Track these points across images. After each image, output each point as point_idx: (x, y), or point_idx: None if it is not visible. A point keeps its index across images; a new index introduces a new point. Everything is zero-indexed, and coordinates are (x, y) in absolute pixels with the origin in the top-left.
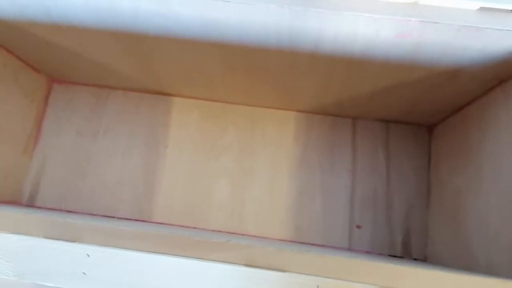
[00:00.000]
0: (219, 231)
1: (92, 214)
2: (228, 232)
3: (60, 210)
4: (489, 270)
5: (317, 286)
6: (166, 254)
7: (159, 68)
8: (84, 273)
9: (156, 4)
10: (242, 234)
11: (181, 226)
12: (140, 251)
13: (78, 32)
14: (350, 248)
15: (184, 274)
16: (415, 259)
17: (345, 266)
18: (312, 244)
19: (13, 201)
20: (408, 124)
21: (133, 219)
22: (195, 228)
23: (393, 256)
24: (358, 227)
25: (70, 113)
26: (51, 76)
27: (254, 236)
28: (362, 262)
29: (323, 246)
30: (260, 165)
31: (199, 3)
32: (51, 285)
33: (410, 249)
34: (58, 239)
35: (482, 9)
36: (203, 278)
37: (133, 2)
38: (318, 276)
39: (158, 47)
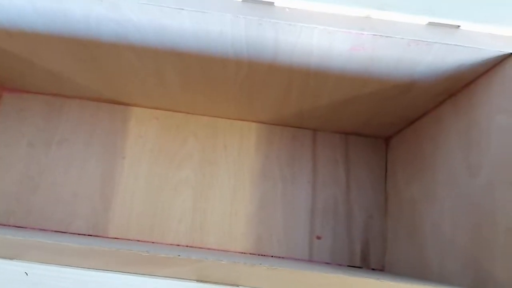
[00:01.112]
0: (178, 245)
1: (43, 230)
2: (188, 246)
3: (8, 225)
4: (442, 278)
5: None
6: (112, 271)
7: (115, 76)
8: None
9: (108, 10)
10: (201, 248)
11: (139, 241)
12: (84, 269)
13: (29, 38)
14: (311, 260)
15: None
16: (373, 269)
17: (298, 279)
18: (272, 256)
19: None
20: (366, 137)
21: (87, 234)
22: (153, 242)
23: (351, 266)
24: (318, 237)
25: (21, 123)
26: (1, 84)
27: (215, 250)
28: (314, 274)
29: (283, 258)
30: (221, 176)
31: (152, 10)
32: None
33: (369, 259)
34: None
35: (430, 24)
36: None
37: (84, 8)
38: None
39: (112, 55)
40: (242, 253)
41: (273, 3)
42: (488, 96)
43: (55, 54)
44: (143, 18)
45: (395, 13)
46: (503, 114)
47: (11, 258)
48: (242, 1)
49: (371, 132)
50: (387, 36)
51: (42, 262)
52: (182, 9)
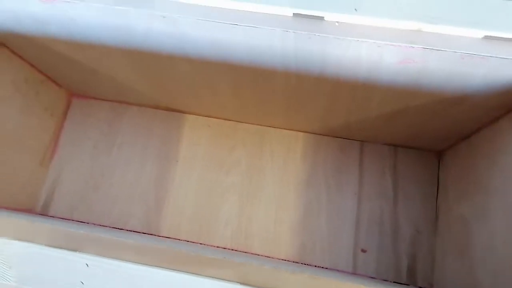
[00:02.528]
0: (224, 248)
1: (102, 226)
2: (233, 249)
3: (72, 220)
4: None
5: None
6: (162, 267)
7: (171, 86)
8: (82, 283)
9: (168, 26)
10: (246, 252)
11: (188, 241)
12: (137, 264)
13: (96, 49)
14: (355, 272)
15: None
16: (420, 287)
17: None
18: (315, 266)
19: (28, 210)
20: (417, 149)
21: (141, 232)
22: (200, 244)
23: (398, 283)
24: (363, 251)
25: (88, 127)
26: (71, 90)
27: (258, 255)
28: (355, 287)
29: (326, 268)
30: (267, 183)
31: (208, 25)
32: None
33: (416, 276)
34: (60, 248)
35: (486, 37)
36: None
37: (147, 24)
38: None
39: (170, 66)
40: (285, 260)
41: (323, 17)
42: None
43: (118, 65)
44: (199, 32)
45: (448, 27)
46: None
47: (74, 250)
48: (292, 16)
49: (422, 145)
50: (438, 50)
51: (101, 256)
52: (236, 24)
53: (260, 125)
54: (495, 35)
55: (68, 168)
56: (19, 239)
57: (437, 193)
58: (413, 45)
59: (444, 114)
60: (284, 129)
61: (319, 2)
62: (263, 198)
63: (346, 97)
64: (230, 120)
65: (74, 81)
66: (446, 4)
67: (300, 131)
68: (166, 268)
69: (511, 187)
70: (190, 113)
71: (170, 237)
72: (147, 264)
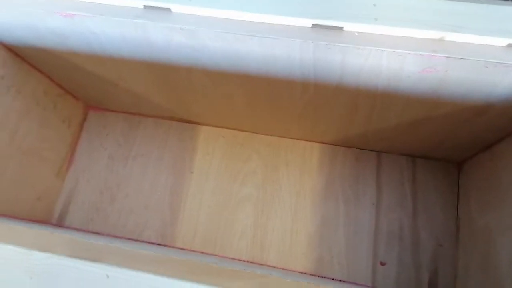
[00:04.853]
0: (239, 260)
1: (117, 237)
2: (248, 261)
3: (87, 231)
4: None
5: None
6: (182, 279)
7: (187, 97)
8: None
9: (188, 38)
10: (262, 264)
11: (202, 252)
12: (157, 275)
13: (116, 62)
14: (374, 286)
15: None
16: None
17: None
18: (333, 279)
19: (44, 220)
20: (436, 160)
21: (156, 243)
22: (215, 255)
23: None
24: (382, 264)
25: (104, 139)
26: (88, 103)
27: (274, 267)
28: None
29: (344, 282)
30: (282, 194)
31: (227, 37)
32: None
33: None
34: (80, 259)
35: (510, 45)
36: None
37: (166, 36)
38: None
39: (187, 78)
40: (302, 272)
41: (342, 28)
42: None
43: (137, 77)
44: (217, 44)
45: (471, 35)
46: None
47: (94, 261)
48: (311, 27)
49: (442, 155)
50: (461, 58)
51: (122, 266)
52: (254, 35)
53: (275, 135)
54: None
55: (83, 179)
56: (39, 250)
57: (458, 205)
58: (435, 54)
59: (466, 124)
60: (300, 139)
61: (338, 13)
62: (279, 209)
63: (364, 106)
64: (244, 131)
65: (91, 93)
66: (468, 13)
67: (316, 141)
68: (186, 280)
69: None
70: (204, 124)
71: (185, 248)
72: (166, 275)
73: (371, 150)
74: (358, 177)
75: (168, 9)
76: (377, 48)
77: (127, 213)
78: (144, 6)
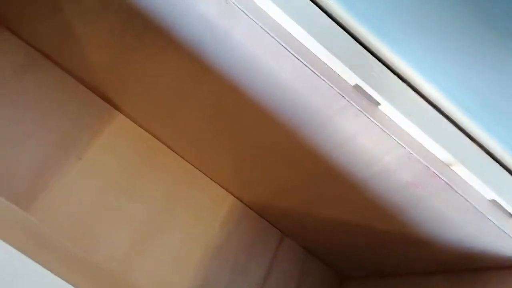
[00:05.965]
0: None
1: None
2: None
3: None
4: None
5: None
6: None
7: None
8: None
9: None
10: None
11: None
12: None
13: None
14: None
15: None
16: None
17: None
18: None
19: None
20: (326, 265)
21: None
22: None
23: None
24: None
25: None
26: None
27: None
28: None
29: None
30: (172, 230)
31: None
32: None
33: None
34: None
35: (492, 201)
36: None
37: None
38: None
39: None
40: None
41: (379, 104)
42: None
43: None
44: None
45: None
46: None
47: None
48: (353, 86)
49: (333, 262)
50: (456, 192)
51: None
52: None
53: (198, 169)
54: (500, 203)
55: None
56: None
57: None
58: (440, 176)
59: (394, 247)
60: (218, 183)
61: (381, 87)
62: (160, 245)
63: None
64: (163, 142)
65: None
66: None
67: (232, 194)
68: None
69: None
70: (126, 114)
71: None
72: None
73: (278, 229)
74: (256, 250)
75: None
76: (398, 141)
77: None
78: None
